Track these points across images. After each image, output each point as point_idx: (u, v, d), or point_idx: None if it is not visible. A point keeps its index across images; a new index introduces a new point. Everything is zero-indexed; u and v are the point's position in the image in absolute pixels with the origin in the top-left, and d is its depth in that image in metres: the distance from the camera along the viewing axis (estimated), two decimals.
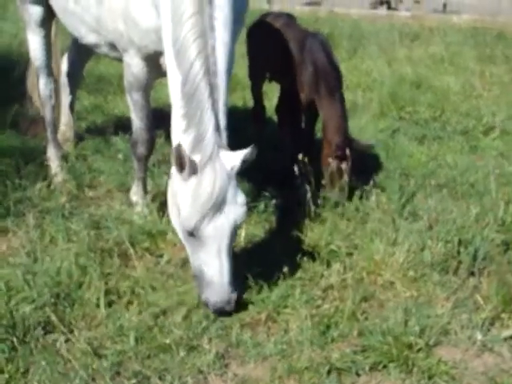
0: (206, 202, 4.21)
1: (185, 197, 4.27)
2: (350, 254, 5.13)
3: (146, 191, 5.59)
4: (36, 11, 5.89)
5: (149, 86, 5.17)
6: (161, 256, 5.10)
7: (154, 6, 4.67)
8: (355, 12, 14.62)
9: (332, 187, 5.71)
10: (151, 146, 5.40)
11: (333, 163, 5.67)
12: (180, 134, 4.35)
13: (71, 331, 4.27)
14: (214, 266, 4.33)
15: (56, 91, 6.45)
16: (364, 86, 9.35)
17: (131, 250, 5.00)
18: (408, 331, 4.26)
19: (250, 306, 4.55)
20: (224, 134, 4.45)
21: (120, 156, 6.16)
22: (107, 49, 5.28)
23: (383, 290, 4.86)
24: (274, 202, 5.79)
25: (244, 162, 4.37)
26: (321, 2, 16.09)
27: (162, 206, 5.63)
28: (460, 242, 5.19)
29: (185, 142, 4.28)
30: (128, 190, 5.81)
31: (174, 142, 4.40)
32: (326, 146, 5.73)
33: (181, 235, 4.48)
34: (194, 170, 4.22)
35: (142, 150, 5.38)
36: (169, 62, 4.51)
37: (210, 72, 4.35)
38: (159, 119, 7.30)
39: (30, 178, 6.10)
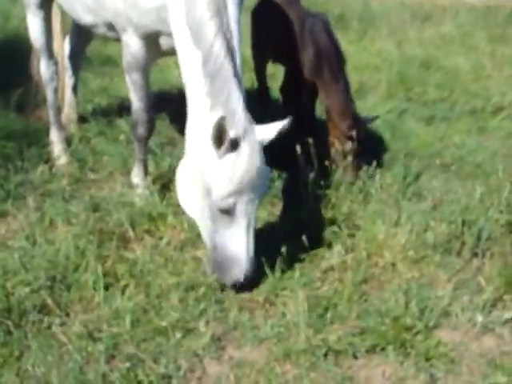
0: (245, 177, 4.22)
1: (221, 174, 4.22)
2: (351, 236, 5.06)
3: (146, 173, 5.54)
4: None
5: (148, 66, 5.11)
6: (160, 238, 5.04)
7: None
8: None
9: (343, 168, 5.64)
10: (151, 126, 5.35)
11: (342, 145, 5.59)
12: (205, 112, 4.30)
13: (67, 314, 4.25)
14: (242, 241, 4.33)
15: (58, 73, 6.38)
16: (373, 67, 9.24)
17: (131, 233, 4.96)
18: (407, 313, 4.20)
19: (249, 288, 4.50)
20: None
21: (122, 138, 6.08)
22: (105, 29, 5.22)
23: (384, 272, 4.79)
24: (276, 182, 5.76)
25: (279, 134, 4.39)
26: None
27: (164, 188, 5.61)
28: (464, 223, 5.11)
29: (213, 120, 4.20)
30: (130, 172, 5.76)
31: (196, 120, 4.36)
32: (332, 129, 5.66)
33: (202, 214, 4.41)
34: (233, 146, 4.18)
35: (141, 130, 5.33)
36: (183, 41, 4.45)
37: (230, 49, 4.35)
38: (166, 101, 7.37)
39: (32, 160, 6.06)
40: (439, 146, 6.72)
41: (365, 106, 7.77)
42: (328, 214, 5.28)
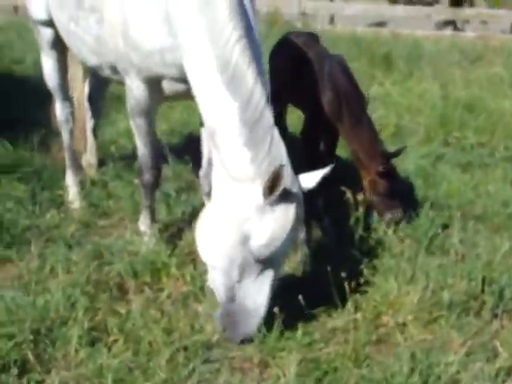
0: (287, 230, 4.10)
1: (266, 223, 4.06)
2: (364, 292, 4.74)
3: (153, 220, 5.32)
4: (47, 33, 5.71)
5: (152, 111, 4.90)
6: (161, 290, 4.81)
7: (166, 24, 4.37)
8: (419, 33, 14.12)
9: (386, 210, 5.36)
10: (157, 173, 5.14)
11: (375, 186, 5.33)
12: (246, 163, 4.09)
13: (49, 371, 4.03)
14: (265, 293, 4.19)
15: (74, 115, 6.25)
16: (414, 109, 8.89)
17: (128, 284, 4.74)
18: (409, 383, 3.86)
19: (244, 348, 4.23)
20: None
21: (137, 181, 5.89)
22: (109, 71, 5.05)
23: (393, 333, 4.46)
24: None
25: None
26: (386, 23, 15.68)
27: (172, 237, 5.40)
28: (484, 280, 4.75)
29: (256, 170, 4.07)
30: None
31: (233, 170, 4.13)
32: (364, 173, 5.41)
33: (227, 264, 4.16)
34: (282, 196, 4.02)
35: (147, 177, 5.13)
36: (211, 89, 4.19)
37: (267, 97, 4.20)
38: (191, 144, 7.19)
39: (44, 204, 5.92)
40: (471, 194, 6.34)
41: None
42: (343, 267, 4.94)
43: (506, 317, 4.63)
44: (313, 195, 5.28)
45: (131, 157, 6.87)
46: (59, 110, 6.13)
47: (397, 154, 5.46)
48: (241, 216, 4.06)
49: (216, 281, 4.22)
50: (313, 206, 5.46)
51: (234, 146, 4.10)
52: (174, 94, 4.70)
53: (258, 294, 4.17)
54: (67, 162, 6.25)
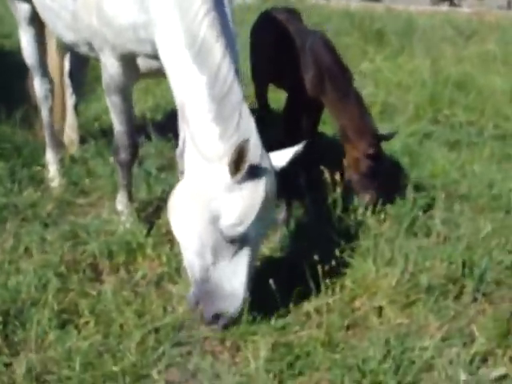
0: (257, 208, 3.95)
1: (235, 201, 3.93)
2: (341, 274, 4.66)
3: (131, 200, 5.24)
4: (24, 8, 5.60)
5: (128, 88, 4.80)
6: (136, 271, 4.74)
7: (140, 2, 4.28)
8: (414, 8, 13.97)
9: (365, 190, 5.27)
10: (134, 151, 5.05)
11: (361, 166, 5.23)
12: (214, 138, 3.98)
13: (17, 353, 3.96)
14: (242, 276, 4.05)
15: (54, 92, 6.15)
16: (404, 86, 8.80)
17: (103, 265, 4.67)
18: (382, 368, 3.79)
19: (215, 331, 4.16)
20: None
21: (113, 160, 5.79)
22: (86, 48, 4.94)
23: (369, 317, 4.39)
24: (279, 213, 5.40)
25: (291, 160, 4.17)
26: None
27: (151, 216, 5.33)
28: (464, 263, 4.68)
29: (225, 147, 3.94)
30: None
31: (202, 146, 4.02)
32: (351, 150, 5.28)
33: (200, 243, 4.04)
34: (249, 173, 3.89)
35: (123, 155, 5.04)
36: (180, 64, 4.11)
37: (236, 71, 4.08)
38: (176, 121, 7.07)
39: (24, 182, 5.83)
40: (457, 174, 6.25)
41: (388, 128, 7.37)
42: (319, 249, 4.86)
43: (485, 301, 4.55)
44: (295, 173, 5.26)
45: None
46: (38, 86, 6.02)
47: (388, 137, 5.36)
48: (209, 195, 3.96)
49: (189, 262, 4.11)
50: (294, 185, 5.40)
51: (202, 121, 3.99)
52: (148, 71, 4.60)
53: (234, 275, 4.03)
54: (47, 139, 6.16)
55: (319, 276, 4.38)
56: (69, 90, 6.50)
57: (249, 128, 3.98)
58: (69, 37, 5.01)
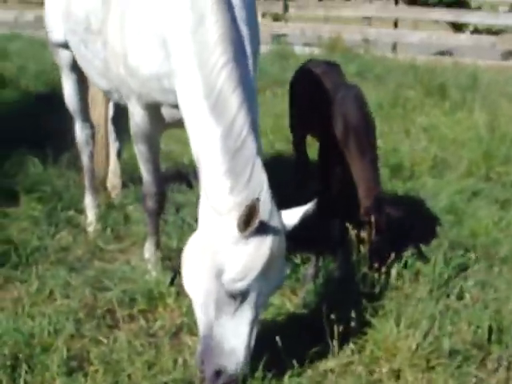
0: (261, 265, 3.86)
1: (238, 256, 3.86)
2: (363, 334, 4.51)
3: (158, 248, 5.22)
4: (65, 55, 5.70)
5: (154, 138, 4.81)
6: (155, 321, 4.70)
7: (163, 49, 4.30)
8: (482, 63, 13.76)
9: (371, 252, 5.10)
10: (160, 199, 5.05)
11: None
12: (224, 193, 3.93)
13: None
14: (243, 336, 3.93)
15: (95, 138, 6.23)
16: (460, 141, 8.59)
17: (123, 312, 4.63)
18: None
19: None
20: None
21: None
22: (117, 96, 4.99)
23: (387, 380, 4.23)
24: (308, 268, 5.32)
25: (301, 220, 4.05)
26: (450, 52, 15.34)
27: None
28: (491, 329, 4.48)
29: (235, 201, 3.89)
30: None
31: (213, 200, 3.97)
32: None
33: (205, 298, 3.98)
34: (258, 230, 3.82)
35: (150, 203, 5.04)
36: (197, 114, 4.09)
37: (252, 125, 4.01)
38: None
39: (60, 226, 5.90)
40: (500, 234, 6.03)
41: (436, 185, 7.24)
42: (343, 307, 4.73)
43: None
44: (327, 227, 5.16)
45: None
46: (79, 131, 6.11)
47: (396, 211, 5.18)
48: (216, 248, 3.90)
49: (197, 317, 4.05)
50: (325, 239, 5.30)
51: (214, 174, 3.95)
52: (173, 120, 4.58)
53: (235, 332, 3.92)
54: (86, 184, 6.22)
55: (340, 336, 4.26)
56: (112, 136, 6.58)
57: (260, 183, 3.91)
58: (102, 84, 5.08)
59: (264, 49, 14.21)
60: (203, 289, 3.94)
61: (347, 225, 4.97)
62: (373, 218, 4.92)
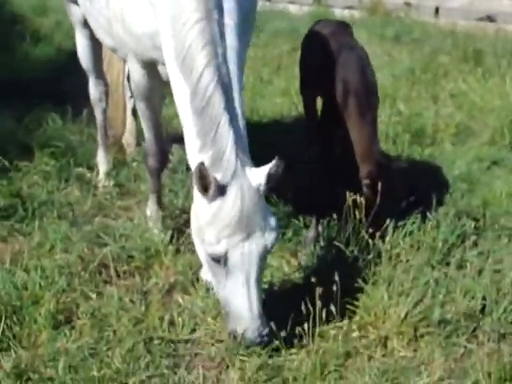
0: (232, 224, 3.83)
1: (209, 220, 3.88)
2: (355, 300, 4.47)
3: (160, 206, 5.23)
4: (76, 11, 5.68)
5: (154, 96, 4.79)
6: (150, 278, 4.73)
7: (153, 8, 4.27)
8: None
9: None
10: (162, 158, 5.05)
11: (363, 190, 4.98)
12: (195, 153, 3.96)
13: (8, 349, 4.01)
14: (242, 297, 3.92)
15: (109, 94, 6.23)
16: (488, 109, 8.38)
17: (114, 269, 4.66)
18: None
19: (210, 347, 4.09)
20: (246, 151, 4.06)
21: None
22: (121, 54, 4.97)
23: (373, 347, 4.19)
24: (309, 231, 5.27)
25: (270, 177, 3.94)
26: (493, 18, 14.90)
27: (183, 224, 5.30)
28: (485, 300, 4.41)
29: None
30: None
31: (191, 163, 4.03)
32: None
33: (205, 263, 4.09)
34: (219, 191, 3.82)
35: (152, 162, 5.04)
36: (173, 72, 4.11)
37: (222, 83, 3.94)
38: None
39: (71, 181, 5.94)
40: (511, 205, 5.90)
41: (456, 152, 7.11)
42: (339, 272, 4.68)
43: (504, 342, 4.27)
44: (329, 191, 5.10)
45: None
46: (92, 88, 6.12)
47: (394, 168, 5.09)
48: (196, 214, 3.93)
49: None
50: (326, 203, 5.24)
51: (188, 134, 3.98)
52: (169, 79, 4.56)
53: (233, 296, 3.93)
54: (99, 141, 6.25)
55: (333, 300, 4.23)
56: (128, 94, 6.57)
57: (226, 143, 3.87)
58: (107, 42, 5.06)
59: (304, 10, 14.12)
60: (200, 256, 4.01)
61: (344, 189, 4.86)
62: (368, 182, 4.86)
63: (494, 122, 7.88)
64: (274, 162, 3.92)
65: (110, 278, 4.67)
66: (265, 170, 3.92)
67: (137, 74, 4.66)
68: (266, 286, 4.57)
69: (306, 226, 5.32)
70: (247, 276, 3.92)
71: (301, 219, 5.37)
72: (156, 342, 4.11)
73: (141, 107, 4.85)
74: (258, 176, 3.90)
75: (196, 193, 3.93)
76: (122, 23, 4.49)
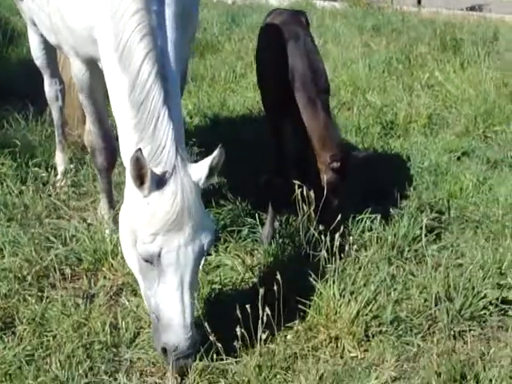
0: (167, 220, 3.61)
1: (143, 216, 3.67)
2: (307, 299, 4.31)
3: (111, 206, 5.07)
4: (25, 7, 5.50)
5: (96, 91, 4.62)
6: (97, 280, 4.59)
7: (90, 1, 4.12)
8: (510, 19, 13.23)
9: (323, 210, 4.80)
10: (110, 155, 4.88)
11: (324, 179, 4.81)
12: (132, 148, 3.74)
13: None
14: (174, 303, 3.68)
15: (68, 92, 6.08)
16: (464, 99, 8.22)
17: (54, 272, 4.51)
18: None
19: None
20: (183, 145, 3.90)
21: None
22: (65, 50, 4.82)
23: (323, 348, 4.05)
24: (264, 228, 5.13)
25: (212, 170, 3.76)
26: (480, 7, 14.77)
27: None
28: (438, 296, 4.27)
29: None
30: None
31: (126, 158, 3.83)
32: (317, 161, 4.89)
33: (134, 267, 3.85)
34: (156, 184, 3.63)
35: (99, 159, 4.89)
36: (109, 66, 3.96)
37: (161, 76, 3.79)
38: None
39: (28, 182, 5.78)
40: (478, 197, 5.76)
41: (428, 143, 6.96)
42: (291, 271, 4.55)
43: (460, 339, 4.13)
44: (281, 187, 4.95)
45: None
46: (47, 87, 5.98)
47: (357, 157, 4.94)
48: (129, 210, 3.75)
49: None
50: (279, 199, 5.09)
51: (125, 128, 3.81)
52: None
53: (165, 302, 3.69)
54: (56, 140, 6.10)
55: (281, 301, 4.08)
56: None
57: (165, 135, 3.70)
58: (50, 38, 4.91)
59: (285, 3, 13.94)
60: (131, 257, 3.81)
61: (294, 183, 4.67)
62: (324, 176, 4.72)
63: (467, 112, 7.74)
64: (214, 153, 3.75)
65: (56, 281, 4.51)
66: (205, 163, 3.75)
67: (78, 69, 4.52)
68: (214, 288, 4.45)
69: (262, 224, 5.16)
70: (181, 279, 3.69)
71: (256, 216, 5.21)
72: (97, 346, 3.96)
73: (84, 102, 4.70)
74: (199, 171, 3.74)
75: (129, 188, 3.75)
76: (61, 18, 4.33)
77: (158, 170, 3.66)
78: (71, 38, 4.34)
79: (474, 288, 4.34)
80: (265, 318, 3.81)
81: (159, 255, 3.63)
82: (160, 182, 3.61)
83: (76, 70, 4.53)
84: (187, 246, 3.67)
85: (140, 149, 3.55)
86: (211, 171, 3.75)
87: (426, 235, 4.95)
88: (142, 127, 3.71)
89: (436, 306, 4.27)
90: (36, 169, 5.90)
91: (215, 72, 9.18)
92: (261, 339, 3.87)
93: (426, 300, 4.34)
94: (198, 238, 3.71)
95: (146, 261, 3.66)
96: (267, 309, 3.85)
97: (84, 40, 4.25)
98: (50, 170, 6.03)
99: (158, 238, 3.60)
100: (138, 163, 3.55)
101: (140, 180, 3.60)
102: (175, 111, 3.84)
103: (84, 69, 4.50)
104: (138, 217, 3.67)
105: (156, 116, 3.70)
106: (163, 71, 3.79)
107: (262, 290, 3.85)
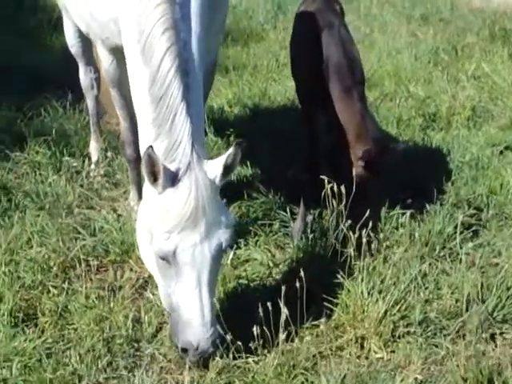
0: (181, 217, 3.57)
1: (157, 213, 3.64)
2: (335, 297, 4.21)
3: (140, 197, 4.98)
4: None
5: (124, 84, 4.54)
6: (124, 272, 4.54)
7: None
8: None
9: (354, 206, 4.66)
10: (139, 148, 4.81)
11: (359, 173, 4.67)
12: (149, 143, 3.70)
13: None
14: (192, 302, 3.63)
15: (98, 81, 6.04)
16: (511, 92, 7.98)
17: (80, 263, 4.46)
18: None
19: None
20: (202, 141, 3.83)
21: None
22: (93, 39, 4.78)
23: (349, 348, 3.95)
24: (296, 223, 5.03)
25: (228, 168, 3.69)
26: None
27: None
28: (469, 297, 4.12)
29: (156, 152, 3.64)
30: None
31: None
32: (352, 156, 4.75)
33: (152, 266, 3.81)
34: (170, 180, 3.58)
35: (128, 151, 4.86)
36: (132, 58, 3.91)
37: (182, 70, 3.73)
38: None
39: (62, 171, 5.76)
40: None
41: (471, 136, 6.76)
42: (320, 267, 4.45)
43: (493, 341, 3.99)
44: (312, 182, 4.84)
45: None
46: (82, 75, 5.95)
47: (394, 150, 4.78)
48: (146, 209, 3.70)
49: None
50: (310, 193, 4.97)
51: (144, 123, 3.76)
52: None
53: (184, 300, 3.63)
54: (92, 128, 6.08)
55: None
56: None
57: (182, 132, 3.63)
58: (82, 28, 4.86)
59: None
60: (146, 257, 3.77)
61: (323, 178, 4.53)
62: (356, 171, 4.58)
63: None
64: (230, 150, 3.67)
65: (83, 272, 4.47)
66: (221, 160, 3.68)
67: (105, 60, 4.49)
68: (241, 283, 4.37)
69: (293, 218, 5.05)
70: (199, 277, 3.62)
71: (288, 210, 5.10)
72: (118, 341, 3.91)
73: (113, 95, 4.67)
74: (215, 168, 3.66)
75: (146, 185, 3.71)
76: (89, 9, 4.30)
77: (173, 167, 3.62)
78: (98, 28, 4.30)
79: (508, 289, 4.19)
80: (284, 316, 3.72)
81: (174, 253, 3.56)
82: (174, 178, 3.56)
83: (104, 61, 4.50)
84: (203, 244, 3.60)
85: (151, 146, 3.51)
86: (226, 169, 3.68)
87: (461, 232, 4.83)
88: (160, 122, 3.66)
89: (468, 306, 4.11)
90: (69, 158, 5.87)
91: (258, 61, 9.05)
92: (283, 338, 3.79)
93: (457, 300, 4.19)
94: (214, 236, 3.64)
95: (163, 259, 3.60)
96: (285, 309, 3.75)
97: (110, 31, 4.20)
98: (84, 159, 6.02)
99: (172, 236, 3.55)
100: (150, 160, 3.51)
101: (154, 177, 3.55)
102: (195, 106, 3.77)
103: (111, 59, 4.46)
104: (153, 214, 3.63)
105: (174, 112, 3.64)
106: (185, 65, 3.72)
107: (284, 288, 3.76)
